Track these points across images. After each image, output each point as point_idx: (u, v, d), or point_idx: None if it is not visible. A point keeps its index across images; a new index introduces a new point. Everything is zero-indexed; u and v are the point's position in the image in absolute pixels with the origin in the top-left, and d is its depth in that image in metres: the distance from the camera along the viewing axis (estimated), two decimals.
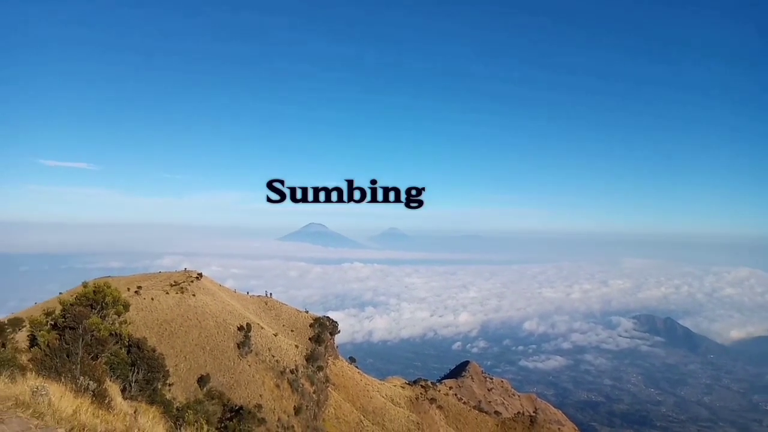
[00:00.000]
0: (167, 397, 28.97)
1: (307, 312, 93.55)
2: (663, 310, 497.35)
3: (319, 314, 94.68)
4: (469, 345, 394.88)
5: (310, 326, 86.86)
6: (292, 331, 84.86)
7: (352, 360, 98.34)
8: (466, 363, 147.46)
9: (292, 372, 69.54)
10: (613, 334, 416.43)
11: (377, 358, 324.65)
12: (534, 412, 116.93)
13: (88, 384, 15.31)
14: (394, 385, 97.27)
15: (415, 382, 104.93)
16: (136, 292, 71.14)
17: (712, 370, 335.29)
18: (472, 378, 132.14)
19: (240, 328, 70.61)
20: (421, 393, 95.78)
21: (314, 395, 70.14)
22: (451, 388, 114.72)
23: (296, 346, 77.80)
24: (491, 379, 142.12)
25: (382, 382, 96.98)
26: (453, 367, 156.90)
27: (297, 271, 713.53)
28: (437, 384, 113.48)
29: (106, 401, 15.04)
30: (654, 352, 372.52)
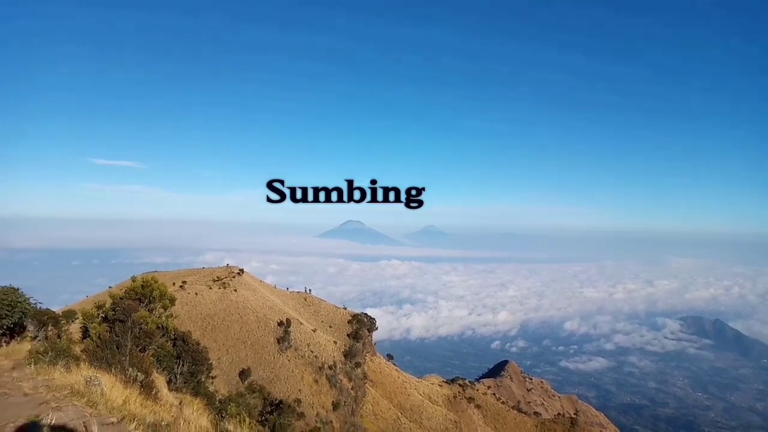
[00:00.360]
0: (210, 389, 29.74)
1: (345, 308, 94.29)
2: (712, 312, 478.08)
3: (357, 311, 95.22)
4: (508, 344, 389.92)
5: (348, 323, 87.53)
6: (330, 327, 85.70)
7: (389, 357, 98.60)
8: (505, 362, 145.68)
9: (330, 368, 70.24)
10: (659, 335, 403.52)
11: (415, 355, 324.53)
12: (575, 413, 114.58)
13: (137, 375, 15.88)
14: (432, 383, 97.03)
15: (453, 380, 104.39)
16: (180, 286, 73.28)
17: (766, 375, 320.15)
18: (511, 378, 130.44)
19: (280, 324, 71.79)
20: (459, 392, 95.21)
21: (352, 391, 70.66)
22: (489, 387, 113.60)
23: (334, 342, 78.52)
24: (531, 379, 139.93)
25: (420, 380, 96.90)
26: (491, 367, 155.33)
27: (335, 268, 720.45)
28: (475, 383, 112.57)
29: (153, 392, 15.55)
30: (702, 355, 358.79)
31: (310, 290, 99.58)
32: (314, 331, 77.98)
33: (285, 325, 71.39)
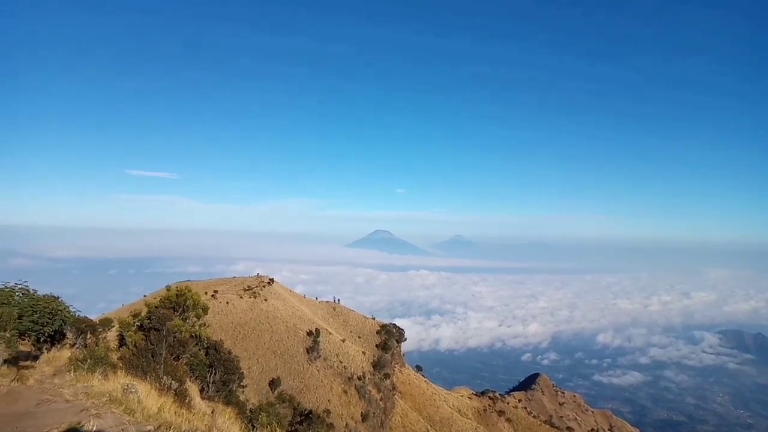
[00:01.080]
0: (241, 398, 30.00)
1: (373, 319, 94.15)
2: (753, 326, 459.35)
3: (386, 321, 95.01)
4: (539, 357, 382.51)
5: (376, 333, 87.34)
6: (359, 337, 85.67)
7: (418, 368, 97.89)
8: (536, 375, 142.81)
9: (359, 378, 70.10)
10: (696, 349, 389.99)
11: (444, 367, 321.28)
12: (609, 429, 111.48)
13: (171, 383, 16.16)
14: (462, 396, 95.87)
15: (482, 393, 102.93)
16: (212, 295, 74.42)
17: None
18: (542, 391, 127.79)
19: (309, 333, 72.11)
20: (489, 404, 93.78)
21: (381, 402, 70.31)
22: (520, 400, 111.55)
23: (363, 353, 78.40)
24: (563, 393, 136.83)
25: (449, 392, 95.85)
26: (522, 379, 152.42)
27: (363, 278, 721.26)
28: (506, 396, 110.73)
29: (187, 400, 15.79)
30: (743, 370, 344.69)
31: (338, 300, 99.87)
32: (343, 341, 78.06)
33: (314, 335, 71.68)
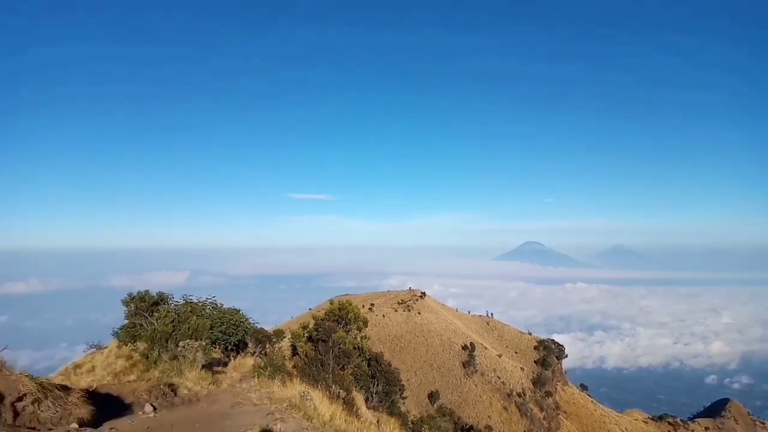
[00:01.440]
0: (402, 409, 30.64)
1: (530, 334, 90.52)
2: None
3: (543, 336, 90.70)
4: (727, 380, 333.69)
5: (534, 349, 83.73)
6: (516, 353, 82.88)
7: (583, 387, 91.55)
8: (726, 401, 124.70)
9: (519, 395, 67.65)
10: None
11: (612, 387, 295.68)
12: None
13: (339, 392, 17.03)
14: (635, 419, 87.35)
15: (660, 417, 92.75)
16: (369, 309, 77.65)
17: None
18: (735, 419, 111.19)
19: (464, 347, 71.57)
20: (669, 430, 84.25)
21: (544, 422, 66.95)
22: (707, 428, 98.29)
23: (521, 369, 75.60)
24: (762, 423, 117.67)
25: (621, 415, 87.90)
26: (708, 405, 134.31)
27: (516, 291, 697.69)
28: (688, 422, 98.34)
29: (354, 409, 16.49)
30: None
31: (491, 314, 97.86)
32: (499, 356, 76.13)
33: (470, 349, 70.96)
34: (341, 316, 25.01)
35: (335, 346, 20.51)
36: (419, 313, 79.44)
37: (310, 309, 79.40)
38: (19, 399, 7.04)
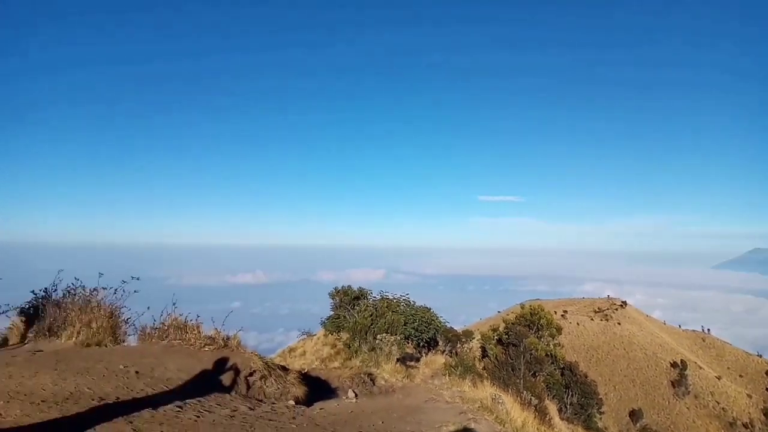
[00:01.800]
0: (599, 424, 28.45)
1: (760, 356, 76.81)
2: None
3: None
4: None
5: (766, 374, 70.79)
6: (740, 376, 71.08)
7: None
8: None
9: (746, 426, 57.88)
10: None
11: None
12: None
13: (531, 399, 16.52)
14: None
15: None
16: (562, 315, 73.81)
17: None
18: None
19: (673, 365, 63.72)
20: None
21: None
22: None
23: (749, 396, 64.51)
24: None
25: None
26: None
27: (742, 306, 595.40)
28: None
29: (547, 418, 15.84)
30: None
31: (708, 330, 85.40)
32: (719, 378, 66.03)
33: (680, 367, 62.91)
34: (532, 321, 24.25)
35: (526, 352, 19.95)
36: (619, 324, 72.94)
37: (499, 312, 78.47)
38: (251, 374, 8.31)
